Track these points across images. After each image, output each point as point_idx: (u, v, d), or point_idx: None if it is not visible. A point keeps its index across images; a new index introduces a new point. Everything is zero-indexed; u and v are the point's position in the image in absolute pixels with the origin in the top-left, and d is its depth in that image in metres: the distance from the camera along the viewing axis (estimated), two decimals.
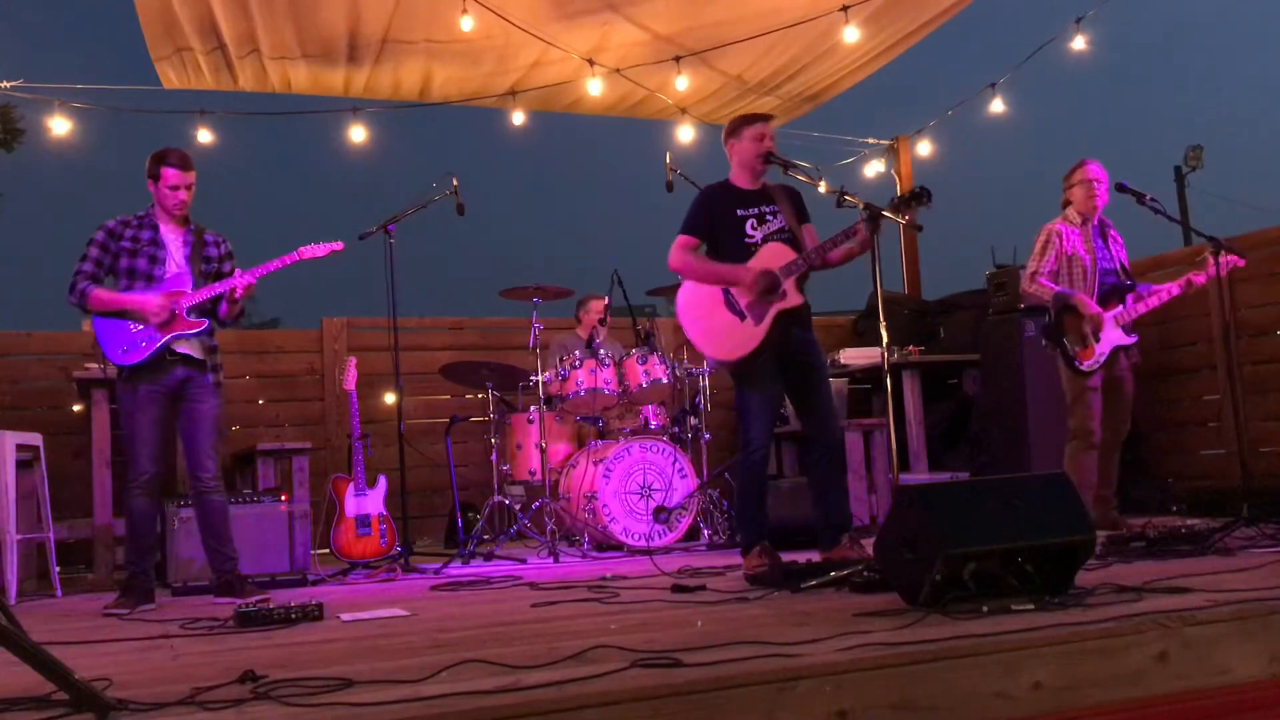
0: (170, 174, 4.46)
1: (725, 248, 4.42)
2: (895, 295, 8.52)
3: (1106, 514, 5.14)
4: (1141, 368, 5.41)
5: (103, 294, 4.39)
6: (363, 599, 4.40)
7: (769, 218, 4.46)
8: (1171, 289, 5.12)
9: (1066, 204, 5.32)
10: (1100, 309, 5.12)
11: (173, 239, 4.54)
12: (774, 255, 4.38)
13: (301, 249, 4.68)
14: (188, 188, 4.50)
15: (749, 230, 4.42)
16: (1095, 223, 5.27)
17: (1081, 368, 5.13)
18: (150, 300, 4.37)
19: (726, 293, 4.36)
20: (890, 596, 3.15)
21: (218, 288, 4.49)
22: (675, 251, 4.45)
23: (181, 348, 4.45)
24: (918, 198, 4.18)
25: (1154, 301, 5.13)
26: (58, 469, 5.90)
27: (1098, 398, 5.14)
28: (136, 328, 4.38)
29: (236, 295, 4.51)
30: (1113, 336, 5.13)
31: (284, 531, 5.32)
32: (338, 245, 4.78)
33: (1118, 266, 5.25)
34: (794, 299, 4.37)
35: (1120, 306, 5.15)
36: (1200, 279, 5.08)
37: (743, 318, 4.32)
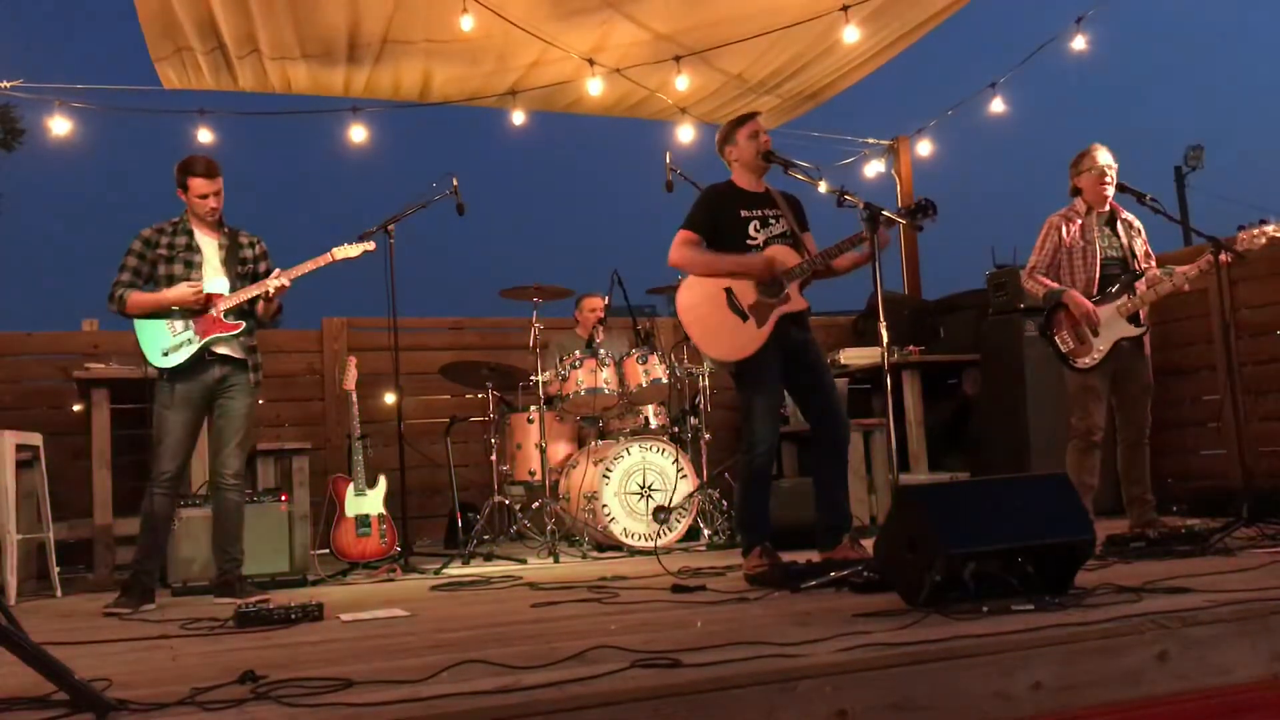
0: (197, 183, 4.54)
1: (727, 248, 4.39)
2: (895, 295, 8.52)
3: (1143, 515, 4.99)
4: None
5: (139, 297, 4.46)
6: (363, 599, 4.40)
7: (771, 221, 4.46)
8: (1189, 271, 4.82)
9: (1075, 191, 5.13)
10: (1091, 304, 4.92)
11: (208, 243, 4.61)
12: (777, 256, 4.37)
13: (334, 249, 4.76)
14: (216, 194, 4.57)
15: (752, 232, 4.41)
16: (1105, 210, 5.06)
17: (1075, 365, 5.00)
18: (181, 290, 4.43)
19: (729, 293, 4.34)
20: (890, 596, 3.15)
21: (253, 290, 4.55)
22: (676, 247, 4.41)
23: (220, 348, 4.52)
24: (923, 210, 4.16)
25: (1167, 287, 4.87)
26: (58, 469, 5.90)
27: (1099, 396, 4.99)
28: (177, 331, 4.45)
29: (269, 295, 4.57)
30: (1114, 329, 4.94)
31: (284, 531, 5.32)
32: (370, 245, 4.89)
33: (1126, 255, 5.04)
34: (797, 303, 4.37)
35: (1125, 297, 4.94)
36: (1224, 258, 4.74)
37: (745, 318, 4.31)
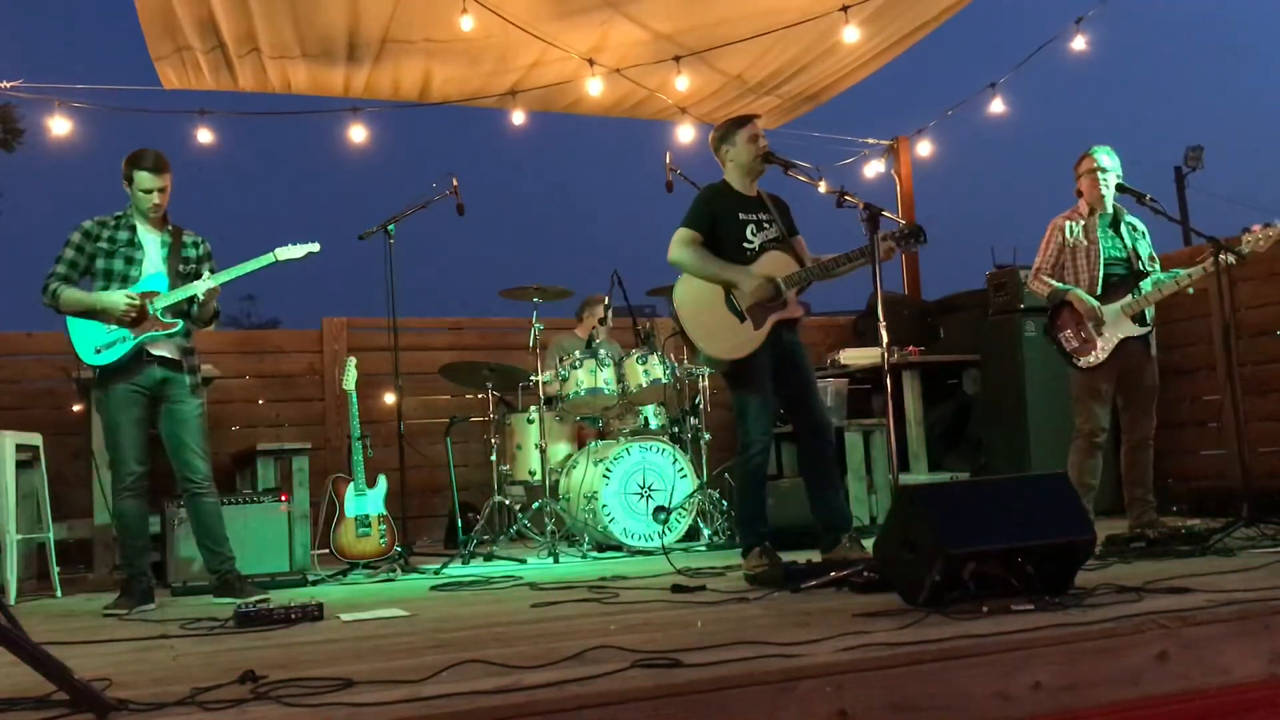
0: (143, 178, 4.41)
1: (724, 249, 4.41)
2: (895, 295, 8.53)
3: (1143, 516, 5.00)
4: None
5: (74, 294, 4.36)
6: (363, 599, 4.40)
7: (765, 225, 4.47)
8: (1192, 273, 4.83)
9: (1079, 194, 5.16)
10: (1095, 303, 4.95)
11: (150, 239, 4.51)
12: (775, 263, 4.38)
13: (277, 250, 4.63)
14: (161, 190, 4.45)
15: (749, 235, 4.42)
16: (1108, 212, 5.09)
17: (1079, 364, 5.01)
18: (117, 299, 4.33)
19: (728, 291, 4.35)
20: (890, 596, 3.15)
21: (187, 290, 4.45)
22: (676, 245, 4.42)
23: (157, 349, 4.42)
24: (915, 235, 4.22)
25: (1171, 288, 4.88)
26: (58, 469, 5.90)
27: (1103, 397, 4.99)
28: (110, 327, 4.36)
29: (200, 298, 4.47)
30: (1119, 329, 4.95)
31: (284, 531, 5.32)
32: (314, 246, 4.72)
33: (1130, 256, 5.05)
34: (794, 310, 4.38)
35: (1129, 297, 4.96)
36: (1224, 258, 4.72)
37: (742, 319, 4.32)
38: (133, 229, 4.49)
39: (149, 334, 4.38)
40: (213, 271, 4.57)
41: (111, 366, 4.35)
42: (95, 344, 4.34)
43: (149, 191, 4.43)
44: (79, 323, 4.36)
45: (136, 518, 4.44)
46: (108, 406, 4.38)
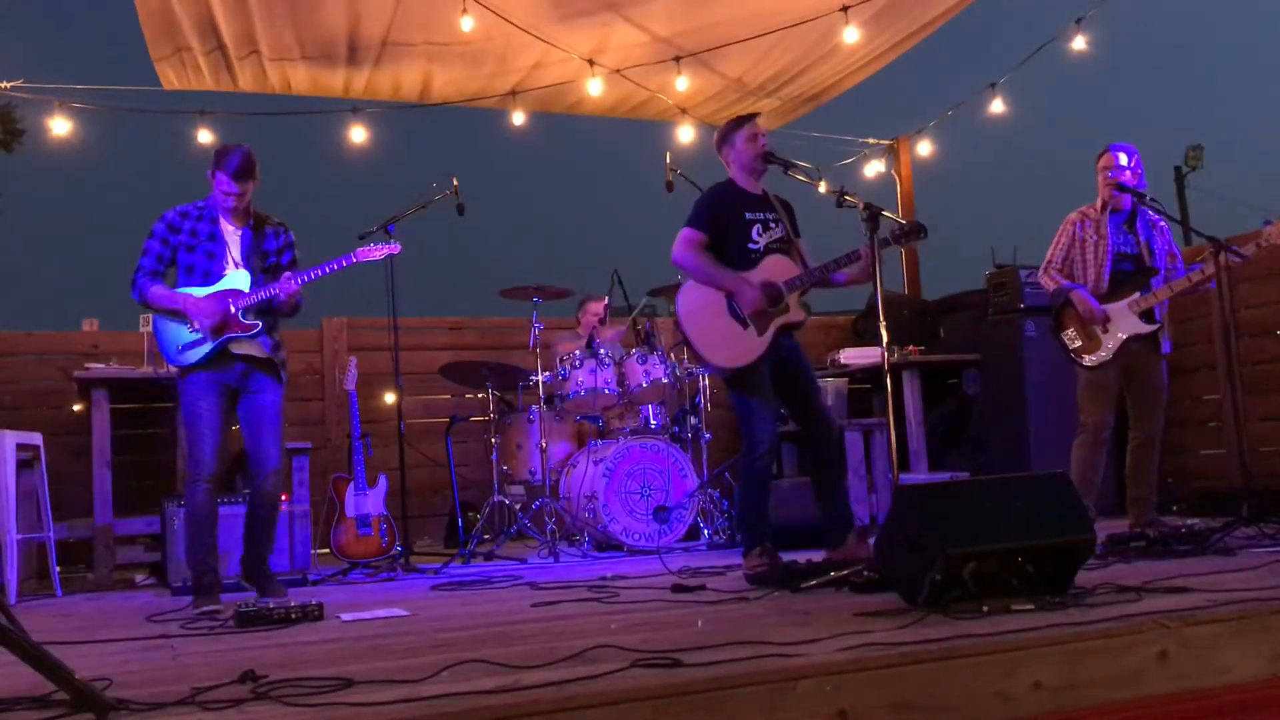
0: (222, 180, 4.32)
1: (729, 249, 4.40)
2: (895, 295, 8.52)
3: (1143, 515, 4.98)
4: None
5: (160, 292, 4.31)
6: (363, 599, 4.41)
7: (772, 225, 4.47)
8: (1205, 269, 4.80)
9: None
10: (1096, 303, 4.93)
11: (231, 234, 4.41)
12: (776, 268, 4.38)
13: (358, 250, 4.60)
14: (240, 195, 4.35)
15: (754, 235, 4.41)
16: (1124, 209, 5.07)
17: (1083, 362, 5.01)
18: (201, 306, 4.27)
19: (730, 299, 4.35)
20: (890, 596, 3.15)
21: (270, 290, 4.36)
22: (681, 246, 4.40)
23: (239, 348, 4.36)
24: (915, 232, 4.23)
25: (1182, 284, 4.86)
26: (58, 469, 5.90)
27: (1109, 393, 4.98)
28: (194, 329, 4.30)
29: (280, 299, 4.39)
30: (1126, 326, 4.93)
31: (284, 531, 5.32)
32: (394, 248, 4.71)
33: (1140, 253, 5.02)
34: (796, 314, 4.38)
35: (1137, 294, 4.93)
36: (1223, 259, 4.74)
37: (745, 326, 4.32)
38: (214, 221, 4.39)
39: (230, 336, 4.32)
40: (295, 260, 4.51)
41: (194, 366, 4.30)
42: (179, 343, 4.30)
43: (227, 194, 4.34)
44: (164, 321, 4.33)
45: (207, 513, 4.32)
46: (188, 399, 4.32)
